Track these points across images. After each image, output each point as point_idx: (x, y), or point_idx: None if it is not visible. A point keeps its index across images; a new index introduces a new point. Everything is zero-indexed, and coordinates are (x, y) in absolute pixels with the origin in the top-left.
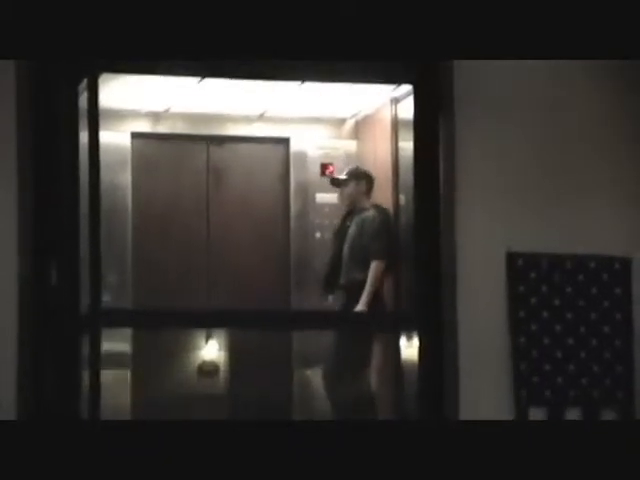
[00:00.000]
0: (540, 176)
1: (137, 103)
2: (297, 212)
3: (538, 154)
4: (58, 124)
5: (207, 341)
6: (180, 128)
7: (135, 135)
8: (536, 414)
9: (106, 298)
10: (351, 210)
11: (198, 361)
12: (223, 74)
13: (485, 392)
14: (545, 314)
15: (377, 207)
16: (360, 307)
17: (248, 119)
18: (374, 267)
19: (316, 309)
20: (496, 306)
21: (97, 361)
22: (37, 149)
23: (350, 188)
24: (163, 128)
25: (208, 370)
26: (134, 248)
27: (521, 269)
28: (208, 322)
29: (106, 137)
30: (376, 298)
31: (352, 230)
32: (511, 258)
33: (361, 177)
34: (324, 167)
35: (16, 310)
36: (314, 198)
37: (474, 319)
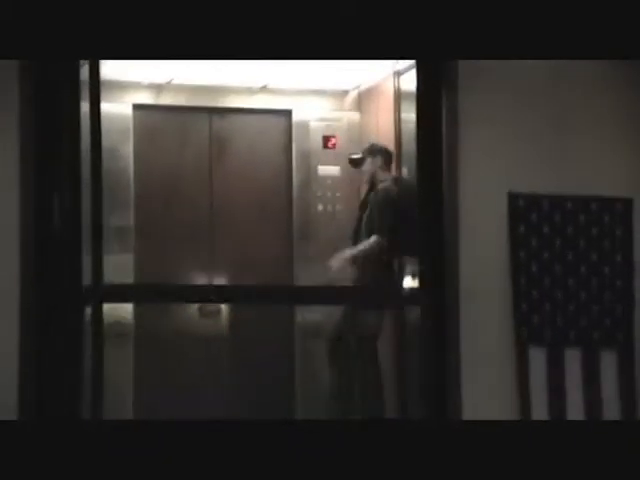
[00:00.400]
0: (541, 117)
1: (139, 75)
2: (299, 184)
3: (539, 97)
4: (60, 96)
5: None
6: (182, 100)
7: (137, 107)
8: (535, 354)
9: (108, 270)
10: (372, 186)
11: None
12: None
13: (486, 331)
14: (546, 255)
15: (396, 179)
16: (332, 261)
17: (250, 90)
18: (371, 240)
19: (316, 285)
20: (498, 247)
21: (100, 336)
22: (39, 122)
23: (367, 165)
24: (165, 100)
25: (209, 310)
26: (136, 219)
27: (522, 210)
28: (211, 297)
29: (108, 109)
30: (380, 273)
31: (369, 204)
32: (512, 199)
33: (376, 153)
34: (326, 139)
35: (18, 286)
36: (316, 170)
37: (476, 260)
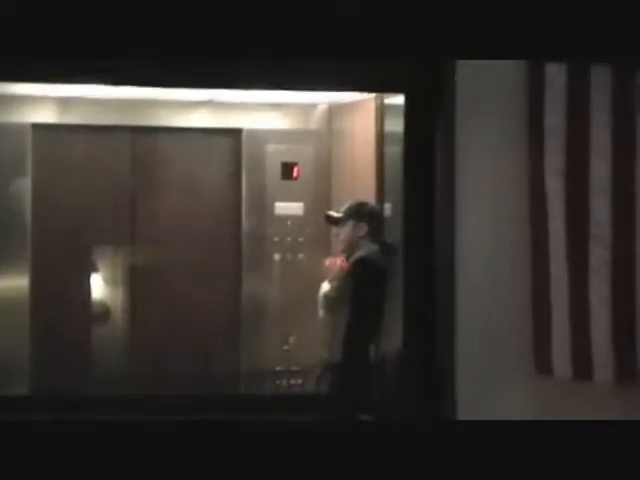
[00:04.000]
0: None
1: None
2: (251, 226)
3: None
4: None
5: None
6: (98, 117)
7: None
8: None
9: None
10: (348, 254)
11: None
12: (150, 82)
13: None
14: None
15: (384, 245)
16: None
17: (190, 105)
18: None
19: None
20: None
21: None
22: None
23: (347, 229)
24: (74, 117)
25: None
26: (33, 270)
27: None
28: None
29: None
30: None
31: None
32: None
33: (363, 217)
34: (287, 167)
35: None
36: (273, 208)
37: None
